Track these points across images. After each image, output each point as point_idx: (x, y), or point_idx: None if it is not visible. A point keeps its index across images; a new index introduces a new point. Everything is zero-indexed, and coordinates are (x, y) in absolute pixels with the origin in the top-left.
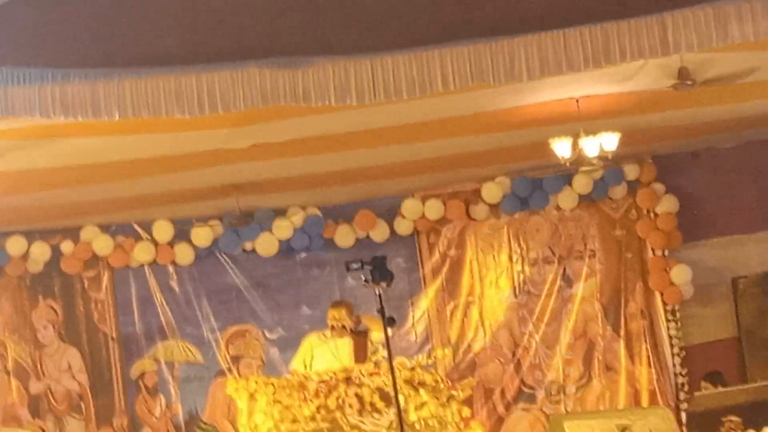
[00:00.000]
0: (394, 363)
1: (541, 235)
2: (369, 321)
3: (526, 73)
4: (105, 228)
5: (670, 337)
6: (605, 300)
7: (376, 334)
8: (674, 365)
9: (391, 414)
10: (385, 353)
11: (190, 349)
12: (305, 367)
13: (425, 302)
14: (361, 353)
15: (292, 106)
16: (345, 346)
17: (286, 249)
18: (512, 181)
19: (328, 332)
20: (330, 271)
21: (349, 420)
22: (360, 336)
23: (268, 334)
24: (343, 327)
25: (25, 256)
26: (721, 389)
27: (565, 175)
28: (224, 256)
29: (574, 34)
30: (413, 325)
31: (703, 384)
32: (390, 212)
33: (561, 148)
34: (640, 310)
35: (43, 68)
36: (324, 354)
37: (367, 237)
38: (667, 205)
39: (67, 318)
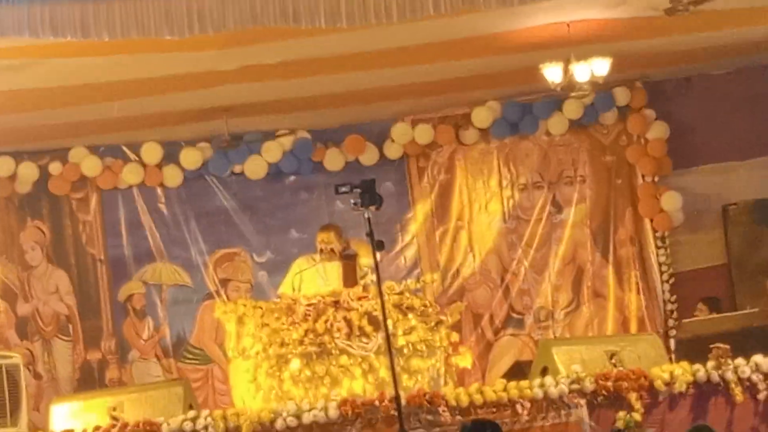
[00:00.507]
0: (383, 287)
1: (530, 160)
2: (358, 245)
3: None
4: (93, 149)
5: (660, 264)
6: (594, 226)
7: (365, 260)
8: (663, 292)
9: (379, 338)
10: (374, 277)
11: (178, 272)
12: (294, 290)
13: (414, 227)
14: (350, 277)
15: (282, 28)
16: (334, 269)
17: (275, 172)
18: (502, 106)
19: (317, 256)
20: (319, 195)
21: (337, 344)
22: (349, 260)
23: (256, 258)
24: (332, 250)
25: (13, 177)
26: (714, 315)
27: (556, 100)
28: (213, 178)
29: None
30: (402, 249)
31: (699, 306)
32: (379, 136)
33: (552, 72)
34: (630, 236)
35: None
36: (313, 277)
37: (357, 161)
38: (658, 131)
39: (55, 239)
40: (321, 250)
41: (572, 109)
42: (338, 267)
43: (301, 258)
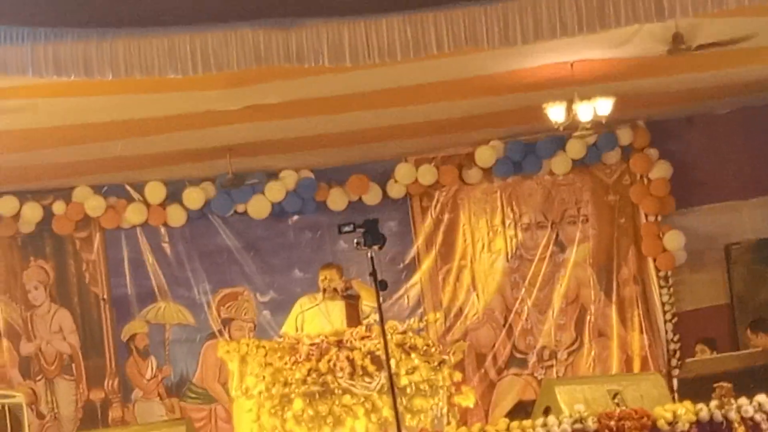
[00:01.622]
0: (386, 327)
1: (534, 200)
2: (360, 287)
3: (521, 37)
4: (97, 189)
5: (663, 303)
6: (598, 265)
7: (367, 302)
8: (666, 331)
9: (382, 378)
10: (376, 317)
11: (181, 311)
12: (297, 330)
13: (417, 266)
14: (353, 316)
15: (286, 68)
16: (336, 308)
17: (279, 211)
18: (506, 146)
19: (319, 295)
20: (322, 234)
21: (340, 383)
22: (352, 299)
23: (259, 297)
24: (335, 289)
25: (17, 217)
26: (717, 354)
27: (559, 139)
28: (216, 218)
29: None
30: (405, 289)
31: (701, 347)
32: (383, 176)
33: (555, 112)
34: (633, 275)
35: (36, 27)
36: (316, 317)
37: (360, 200)
38: (661, 170)
39: (58, 279)
40: (324, 289)
41: (575, 149)
42: (341, 306)
43: (303, 297)
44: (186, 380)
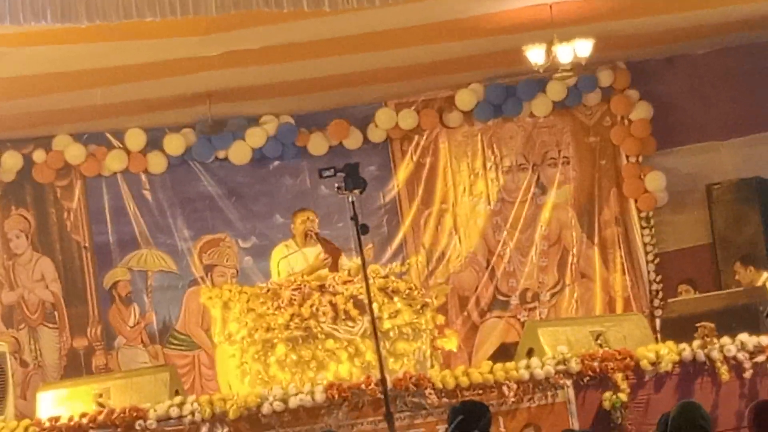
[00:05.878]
0: (368, 271)
1: (515, 142)
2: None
3: None
4: (77, 137)
5: (645, 244)
6: (579, 207)
7: (346, 261)
8: (648, 272)
9: (365, 322)
10: (358, 261)
11: (163, 258)
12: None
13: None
14: (333, 262)
15: (265, 12)
16: (315, 253)
17: (260, 157)
18: (486, 88)
19: (291, 242)
20: (303, 179)
21: (323, 328)
22: (329, 244)
23: (241, 243)
24: (316, 233)
25: None
26: (699, 294)
27: (539, 81)
28: (197, 164)
29: None
30: (387, 232)
31: (682, 287)
32: (363, 120)
33: (534, 54)
34: (615, 217)
35: None
36: (297, 263)
37: (340, 145)
38: (641, 111)
39: (39, 227)
40: (306, 233)
41: (556, 91)
42: (319, 250)
43: (278, 246)
44: (169, 327)
